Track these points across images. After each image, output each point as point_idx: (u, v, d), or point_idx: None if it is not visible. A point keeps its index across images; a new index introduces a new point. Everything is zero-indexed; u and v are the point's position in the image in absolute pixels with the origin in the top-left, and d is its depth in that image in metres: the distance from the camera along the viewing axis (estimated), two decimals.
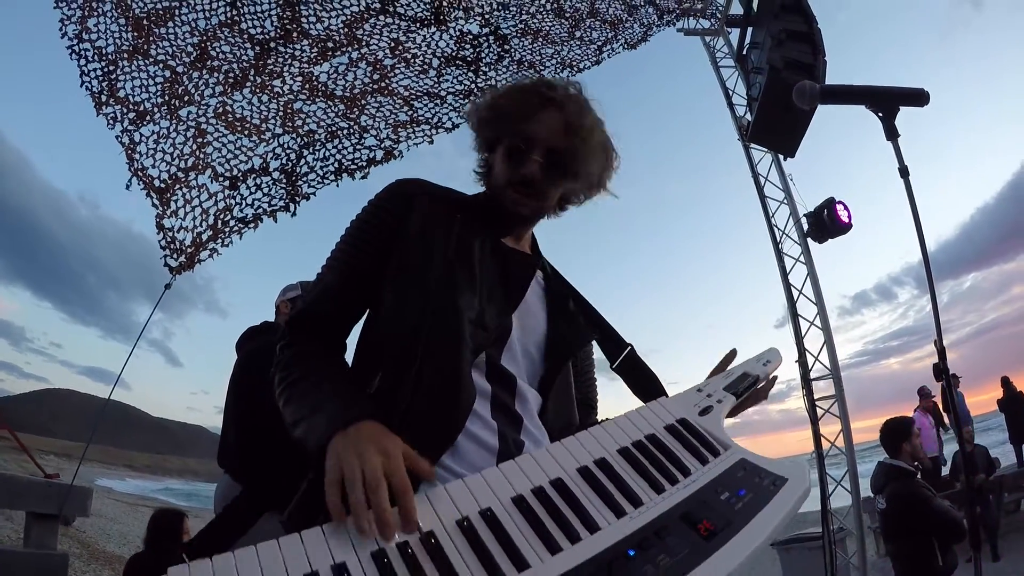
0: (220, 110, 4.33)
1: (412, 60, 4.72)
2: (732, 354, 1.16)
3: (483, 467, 0.86)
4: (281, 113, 4.43)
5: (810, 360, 5.83)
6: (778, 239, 6.31)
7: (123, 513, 13.23)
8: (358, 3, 4.58)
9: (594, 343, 1.22)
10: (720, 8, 7.12)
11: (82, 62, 4.12)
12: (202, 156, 4.31)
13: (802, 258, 6.08)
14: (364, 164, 4.50)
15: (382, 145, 4.56)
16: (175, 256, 4.36)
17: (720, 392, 1.00)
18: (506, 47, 4.98)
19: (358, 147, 4.56)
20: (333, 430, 0.79)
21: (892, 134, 1.47)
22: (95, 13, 4.15)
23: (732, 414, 1.04)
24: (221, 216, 4.36)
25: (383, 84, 4.59)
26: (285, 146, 4.48)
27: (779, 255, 6.23)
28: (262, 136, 4.41)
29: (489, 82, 4.83)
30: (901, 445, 3.31)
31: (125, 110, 4.17)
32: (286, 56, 4.44)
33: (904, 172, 1.49)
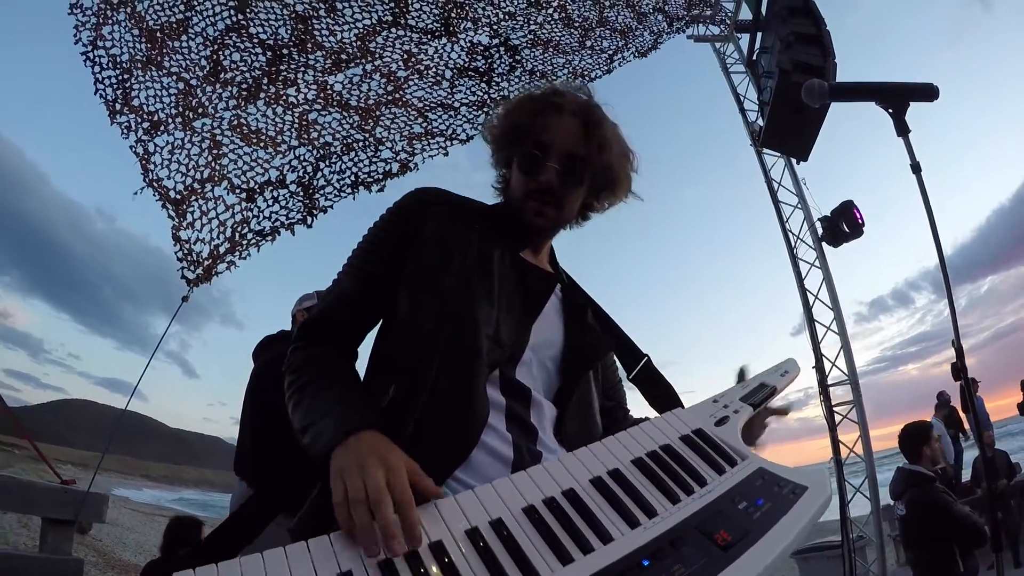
0: (235, 123, 4.37)
1: (425, 72, 4.76)
2: (742, 372, 1.14)
3: (496, 479, 0.86)
4: (296, 125, 4.47)
5: (827, 366, 5.77)
6: (793, 244, 6.27)
7: (139, 522, 13.33)
8: (370, 16, 4.62)
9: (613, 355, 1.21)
10: (729, 14, 7.14)
11: (96, 69, 4.16)
12: (218, 168, 4.33)
13: (817, 263, 6.04)
14: (380, 177, 4.52)
15: (397, 158, 4.58)
16: (192, 268, 4.38)
17: (736, 403, 0.99)
18: (517, 58, 5.01)
19: (374, 159, 4.58)
20: (336, 441, 0.78)
21: (903, 130, 1.47)
22: (110, 21, 4.20)
23: (754, 436, 1.04)
24: (239, 229, 4.38)
25: (397, 95, 4.63)
26: (301, 158, 4.50)
27: (794, 260, 6.19)
28: (278, 148, 4.44)
29: (502, 92, 4.85)
30: (921, 449, 3.27)
31: (139, 119, 4.21)
32: (299, 64, 4.49)
33: (916, 168, 1.48)
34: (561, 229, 1.19)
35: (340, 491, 0.72)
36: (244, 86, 4.39)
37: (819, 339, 5.85)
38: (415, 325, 0.97)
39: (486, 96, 4.81)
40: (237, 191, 4.37)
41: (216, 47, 4.33)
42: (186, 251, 4.34)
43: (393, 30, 4.65)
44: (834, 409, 5.63)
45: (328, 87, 4.58)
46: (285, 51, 4.44)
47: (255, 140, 4.39)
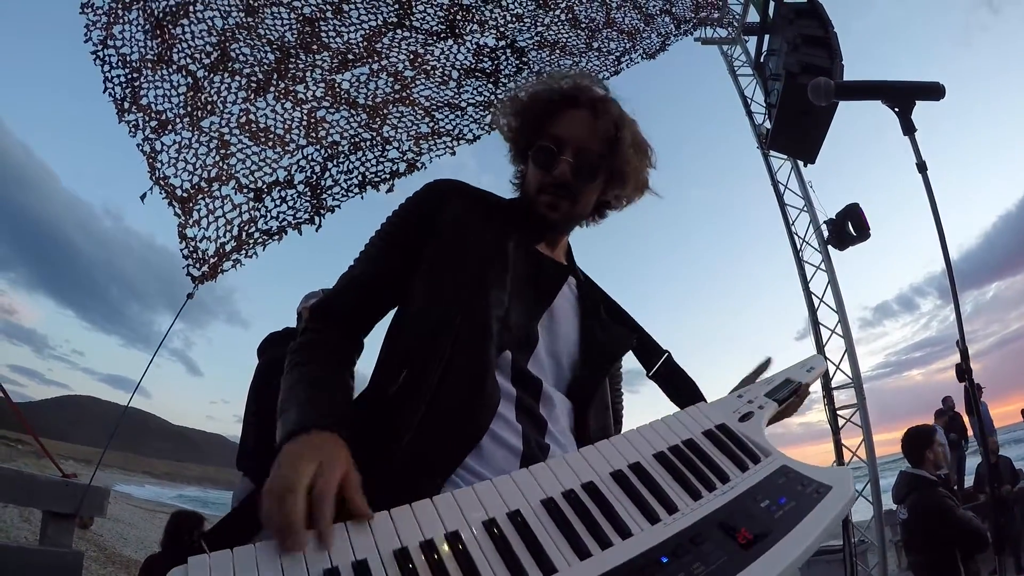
0: (243, 119, 4.38)
1: (432, 72, 4.77)
2: (767, 362, 1.13)
3: (507, 469, 0.85)
4: (304, 123, 4.48)
5: (831, 369, 5.76)
6: (798, 247, 6.27)
7: (141, 519, 13.39)
8: (375, 18, 4.62)
9: (631, 352, 1.19)
10: (737, 17, 7.14)
11: (106, 68, 4.16)
12: (225, 167, 4.34)
13: (823, 266, 6.03)
14: (388, 176, 4.52)
15: (404, 157, 4.58)
16: (198, 266, 4.39)
17: (761, 398, 0.97)
18: (524, 59, 5.00)
19: (381, 159, 4.59)
20: (288, 435, 0.77)
21: (909, 129, 1.46)
22: (121, 21, 4.22)
23: (770, 423, 1.01)
24: (245, 228, 4.38)
25: (404, 94, 4.63)
26: (309, 158, 4.50)
27: (799, 263, 6.18)
28: (286, 147, 4.45)
29: (509, 93, 4.85)
30: (924, 453, 3.26)
31: (147, 118, 4.22)
32: (307, 63, 4.50)
33: (922, 167, 1.48)
34: (576, 225, 1.18)
35: (268, 480, 0.70)
36: (253, 79, 4.40)
37: (823, 342, 5.84)
38: (428, 312, 0.97)
39: (493, 96, 4.81)
40: (245, 190, 4.38)
41: (224, 38, 4.33)
42: (192, 248, 4.35)
43: (399, 32, 4.66)
44: (837, 413, 5.62)
45: (336, 85, 4.58)
46: (292, 51, 4.45)
47: (263, 139, 4.39)
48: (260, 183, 4.38)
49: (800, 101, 5.04)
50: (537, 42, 5.03)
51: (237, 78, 4.38)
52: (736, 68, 7.29)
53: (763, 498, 0.74)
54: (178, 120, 4.25)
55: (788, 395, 1.01)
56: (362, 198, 4.56)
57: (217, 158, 4.31)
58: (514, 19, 4.89)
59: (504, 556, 0.64)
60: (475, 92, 4.81)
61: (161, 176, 4.23)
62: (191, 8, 4.26)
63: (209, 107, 4.32)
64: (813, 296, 6.04)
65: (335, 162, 4.51)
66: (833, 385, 5.72)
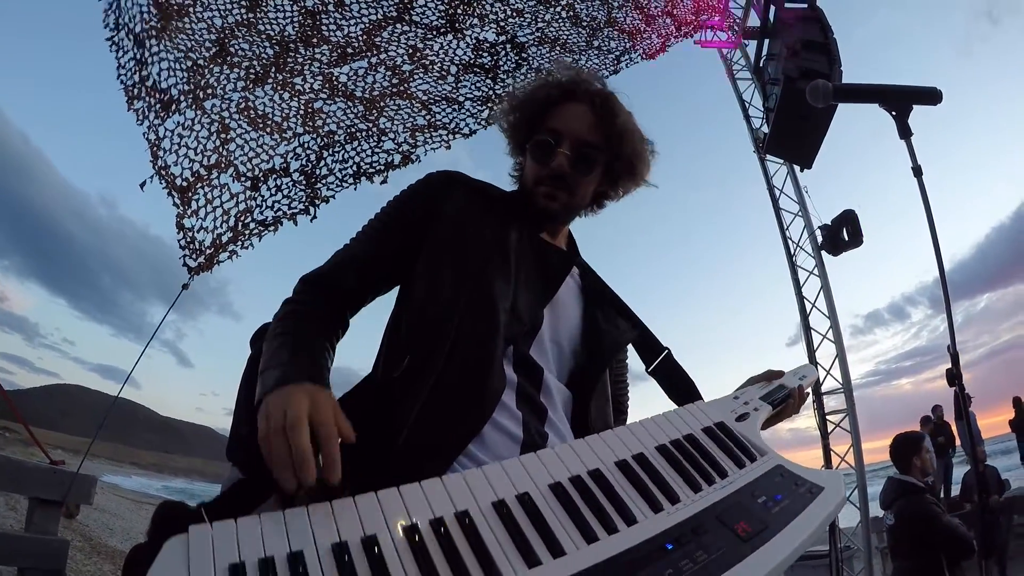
0: (243, 105, 4.36)
1: (430, 66, 4.76)
2: (777, 373, 1.15)
3: (507, 456, 0.86)
4: (302, 111, 4.46)
5: (822, 374, 5.78)
6: (792, 252, 6.29)
7: (127, 510, 13.31)
8: (375, 12, 4.61)
9: (631, 347, 1.21)
10: (737, 21, 7.16)
11: (119, 53, 4.12)
12: (225, 153, 4.33)
13: (816, 271, 6.06)
14: (382, 168, 4.51)
15: (400, 149, 4.57)
16: (194, 256, 4.38)
17: (757, 401, 1.01)
18: (524, 55, 5.00)
19: (376, 150, 4.58)
20: (270, 388, 0.78)
21: (905, 133, 1.47)
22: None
23: (765, 426, 1.05)
24: (241, 218, 4.37)
25: (402, 88, 4.62)
26: (306, 146, 4.50)
27: (793, 267, 6.21)
28: (283, 135, 4.44)
29: (508, 88, 4.85)
30: (911, 460, 3.27)
31: (153, 100, 4.19)
32: (306, 57, 4.49)
33: (917, 171, 1.49)
34: (575, 215, 1.19)
35: (263, 425, 0.71)
36: (251, 70, 4.39)
37: (815, 347, 5.87)
38: (432, 298, 0.98)
39: (491, 92, 4.81)
40: (242, 179, 4.36)
41: (223, 35, 4.32)
42: (189, 239, 4.33)
43: (398, 26, 4.64)
44: (827, 418, 5.64)
45: (333, 78, 4.57)
46: (292, 46, 4.44)
47: (262, 125, 4.38)
48: (257, 170, 4.37)
49: (798, 106, 5.07)
50: (537, 38, 5.02)
51: (237, 70, 4.36)
52: (735, 72, 7.32)
53: (760, 494, 0.77)
54: (182, 98, 4.22)
55: (781, 400, 1.05)
56: (355, 189, 4.54)
57: (217, 142, 4.29)
58: (515, 14, 4.88)
59: (513, 536, 0.66)
60: (473, 87, 4.80)
61: (162, 165, 4.22)
62: (191, 10, 4.25)
63: (210, 90, 4.30)
64: (806, 301, 6.07)
65: (330, 151, 4.50)
66: (823, 390, 5.75)
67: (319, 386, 0.78)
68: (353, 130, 4.55)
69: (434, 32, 4.66)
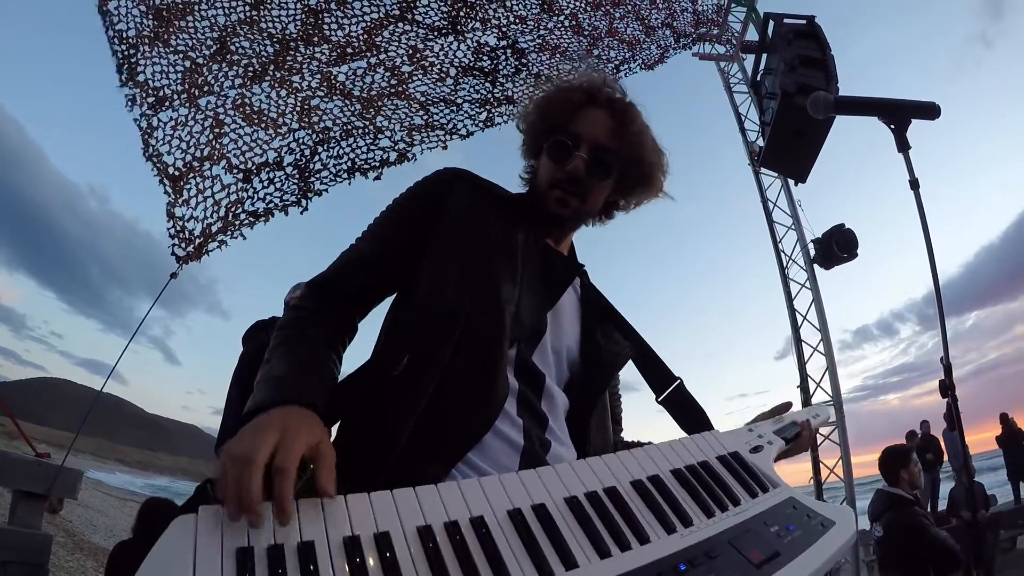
0: (239, 101, 4.36)
1: (430, 68, 4.77)
2: (786, 406, 1.16)
3: (508, 465, 0.86)
4: (298, 108, 4.47)
5: (811, 386, 5.82)
6: (785, 265, 6.33)
7: (111, 506, 13.15)
8: (378, 10, 4.62)
9: (639, 373, 1.18)
10: (736, 35, 7.22)
11: (109, 25, 4.12)
12: (218, 146, 4.32)
13: (808, 284, 6.10)
14: (377, 164, 4.52)
15: (396, 147, 4.58)
16: (183, 245, 4.36)
17: (770, 435, 1.02)
18: (523, 61, 5.03)
19: (372, 147, 4.58)
20: (258, 409, 0.74)
21: (903, 146, 1.48)
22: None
23: (777, 460, 1.05)
24: (232, 208, 4.36)
25: (400, 88, 4.63)
26: (300, 142, 4.50)
27: (785, 280, 6.24)
28: (278, 130, 4.43)
29: (506, 93, 4.87)
30: (900, 472, 3.29)
31: (145, 94, 4.19)
32: (306, 55, 4.49)
33: (914, 184, 1.50)
34: (583, 223, 1.18)
35: (227, 446, 0.67)
36: (250, 68, 4.38)
37: (805, 359, 5.90)
38: (436, 295, 0.95)
39: (489, 95, 4.82)
40: (234, 171, 4.35)
41: (224, 33, 4.32)
42: (179, 228, 4.31)
43: (400, 25, 4.66)
44: (818, 432, 5.67)
45: (332, 77, 4.58)
46: (293, 44, 4.44)
47: (257, 120, 4.38)
48: (250, 163, 4.37)
49: (795, 121, 5.11)
50: (538, 45, 5.06)
51: (235, 68, 4.36)
52: (732, 85, 7.38)
53: (772, 524, 0.77)
54: (176, 97, 4.21)
55: (793, 436, 1.07)
56: (349, 184, 4.54)
57: (211, 136, 4.28)
58: (517, 20, 4.91)
59: (528, 546, 0.65)
60: (472, 90, 4.83)
61: (155, 153, 4.20)
62: (196, 7, 4.25)
63: (206, 88, 4.30)
64: (797, 313, 6.10)
65: (326, 147, 4.50)
66: (813, 403, 5.77)
67: (303, 410, 0.74)
68: (349, 127, 4.55)
69: (436, 33, 4.68)
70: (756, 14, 6.92)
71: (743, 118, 7.13)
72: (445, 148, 4.68)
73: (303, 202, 4.46)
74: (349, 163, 4.51)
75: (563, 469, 0.78)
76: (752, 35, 7.04)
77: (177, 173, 4.21)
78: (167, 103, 4.21)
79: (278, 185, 4.42)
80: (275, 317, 3.27)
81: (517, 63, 4.96)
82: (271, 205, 4.40)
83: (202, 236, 4.32)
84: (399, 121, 4.61)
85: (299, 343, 0.89)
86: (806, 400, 5.77)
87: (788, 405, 1.16)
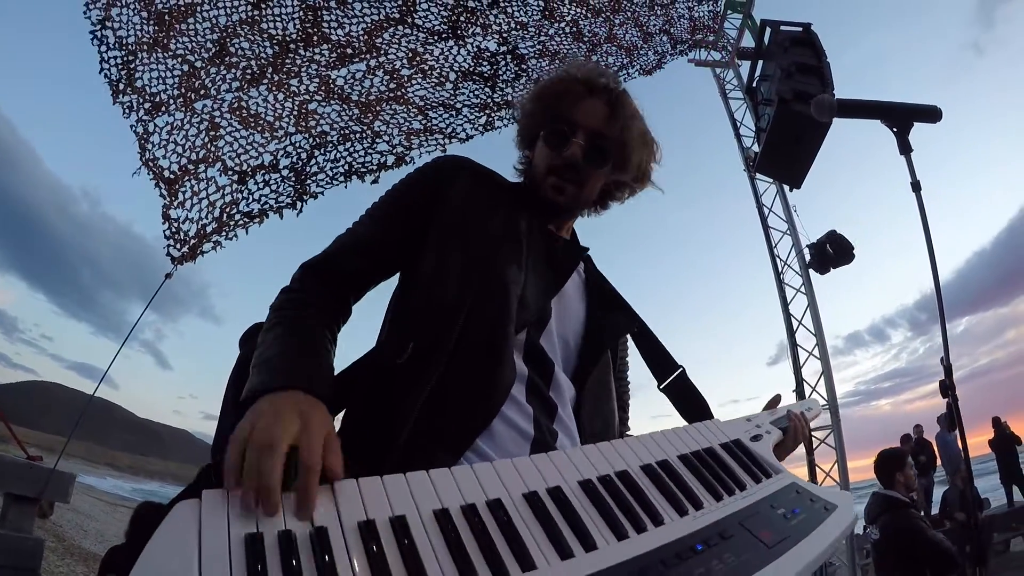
0: (235, 105, 4.35)
1: (429, 72, 4.78)
2: (777, 398, 1.18)
3: (516, 452, 0.85)
4: (295, 112, 4.46)
5: (807, 390, 5.85)
6: (780, 269, 6.37)
7: (102, 511, 13.04)
8: (378, 12, 4.63)
9: (643, 361, 1.19)
10: (731, 41, 7.28)
11: (103, 48, 4.11)
12: (213, 149, 4.31)
13: (803, 289, 6.14)
14: (375, 168, 4.52)
15: (394, 151, 4.58)
16: (178, 246, 4.35)
17: (768, 425, 1.04)
18: (523, 67, 5.04)
19: (370, 151, 4.58)
20: (264, 389, 0.72)
21: (905, 149, 1.51)
22: (119, 3, 4.17)
23: (779, 457, 1.07)
24: (227, 209, 4.35)
25: (399, 92, 4.63)
26: (297, 145, 4.49)
27: (780, 285, 6.28)
28: (275, 134, 4.43)
29: (506, 98, 4.89)
30: (895, 475, 3.31)
31: (141, 100, 4.18)
32: (304, 58, 4.49)
33: (916, 186, 1.52)
34: (580, 211, 1.18)
35: (244, 430, 0.65)
36: (248, 71, 4.38)
37: (800, 364, 5.93)
38: (440, 281, 0.94)
39: (489, 100, 4.83)
40: (229, 172, 4.34)
41: (225, 34, 4.32)
42: (174, 230, 4.31)
43: (400, 28, 4.67)
44: (812, 434, 5.68)
45: (331, 80, 4.58)
46: (292, 45, 4.44)
47: (253, 124, 4.37)
48: (245, 166, 4.36)
49: (791, 127, 5.15)
50: (538, 51, 5.08)
51: (233, 71, 4.36)
52: (727, 91, 7.43)
53: (779, 507, 0.80)
54: (172, 102, 4.21)
55: (787, 428, 1.09)
56: (346, 187, 4.54)
57: (206, 139, 4.27)
58: (518, 26, 4.92)
59: (546, 527, 0.65)
60: (471, 94, 4.83)
61: (151, 157, 4.19)
62: (198, 8, 4.25)
63: (202, 92, 4.29)
64: (792, 318, 6.13)
65: (322, 150, 4.49)
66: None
67: (313, 398, 0.73)
68: (347, 131, 4.55)
69: (436, 37, 4.69)
70: (752, 21, 6.98)
71: (738, 124, 7.18)
72: (444, 152, 4.68)
73: (298, 204, 4.45)
74: (346, 166, 4.51)
75: (574, 453, 0.79)
76: (748, 42, 7.10)
77: (172, 176, 4.20)
78: (163, 108, 4.21)
79: (273, 187, 4.41)
80: None
81: (517, 68, 4.98)
82: (266, 206, 4.39)
83: (196, 237, 4.31)
84: (397, 125, 4.61)
85: (297, 325, 0.87)
86: None
87: (779, 398, 1.18)
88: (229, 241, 4.40)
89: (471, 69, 4.86)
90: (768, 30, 6.03)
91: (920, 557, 2.97)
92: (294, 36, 4.45)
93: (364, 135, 4.59)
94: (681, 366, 1.17)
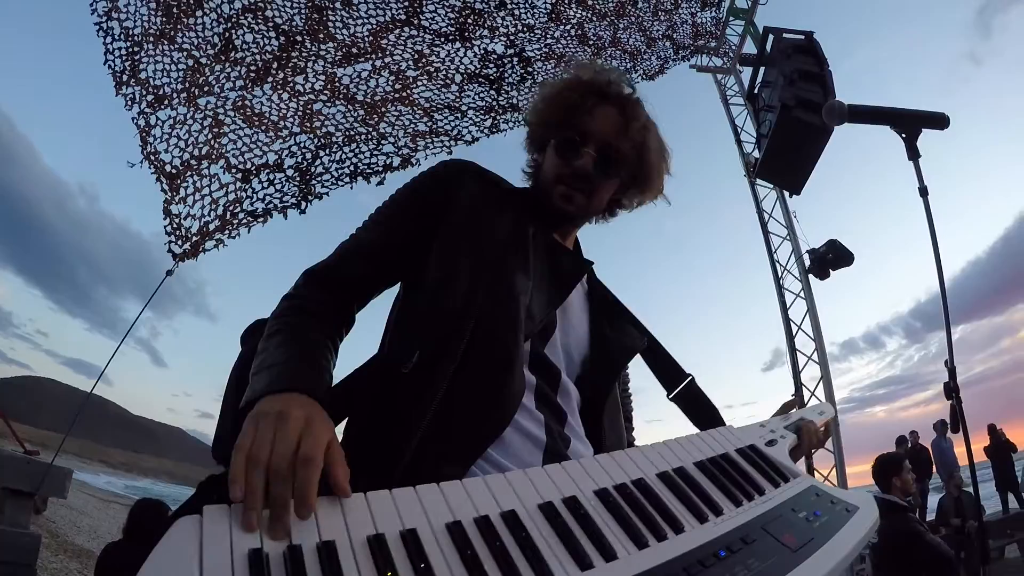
0: (239, 103, 4.35)
1: (435, 73, 4.78)
2: (794, 401, 1.18)
3: (530, 461, 0.83)
4: (300, 112, 4.45)
5: (805, 395, 5.88)
6: (780, 275, 6.40)
7: (95, 508, 12.96)
8: (384, 13, 4.62)
9: (649, 371, 1.18)
10: (733, 48, 7.31)
11: (108, 40, 4.09)
12: (217, 146, 4.29)
13: (802, 294, 6.16)
14: (380, 169, 4.51)
15: (400, 152, 4.58)
16: (180, 243, 4.34)
17: (782, 430, 1.04)
18: (529, 69, 5.04)
19: (375, 152, 4.57)
20: (264, 392, 0.71)
21: (914, 154, 1.53)
22: None
23: (794, 458, 1.07)
24: (231, 207, 4.34)
25: (405, 94, 4.63)
26: (301, 145, 4.47)
27: (780, 290, 6.31)
28: (279, 133, 4.42)
29: (511, 100, 4.89)
30: (892, 479, 3.33)
31: (144, 92, 4.15)
32: (310, 53, 4.48)
33: (923, 191, 1.54)
34: (587, 220, 1.16)
35: (248, 437, 0.63)
36: (253, 68, 4.37)
37: (800, 368, 5.96)
38: (447, 290, 0.91)
39: (494, 102, 4.84)
40: (233, 171, 4.33)
41: (230, 25, 4.31)
42: (176, 225, 4.29)
43: (406, 30, 4.66)
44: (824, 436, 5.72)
45: (336, 79, 4.57)
46: (298, 38, 4.43)
47: (257, 122, 4.36)
48: (250, 164, 4.35)
49: (793, 133, 5.18)
50: (544, 54, 5.08)
51: (239, 67, 4.35)
52: (728, 97, 7.46)
53: (800, 510, 0.79)
54: (175, 95, 4.20)
55: (801, 432, 1.09)
56: (351, 188, 4.53)
57: (209, 136, 4.26)
58: (525, 29, 4.92)
59: (563, 538, 0.64)
60: (477, 97, 4.82)
61: (152, 151, 4.18)
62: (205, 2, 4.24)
63: (207, 88, 4.28)
64: (792, 323, 6.16)
65: (327, 151, 4.48)
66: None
67: (315, 403, 0.71)
68: (352, 132, 4.54)
69: (442, 39, 4.69)
70: (754, 28, 7.02)
71: (739, 130, 7.21)
72: (450, 153, 4.69)
73: (303, 204, 4.44)
74: (351, 168, 4.50)
75: (588, 463, 0.77)
76: (749, 48, 7.13)
77: (174, 171, 4.18)
78: (166, 101, 4.19)
79: (278, 187, 4.40)
80: None
81: (523, 71, 4.98)
82: (270, 206, 4.38)
83: (199, 234, 4.30)
84: (403, 127, 4.61)
85: (297, 333, 0.86)
86: (801, 407, 5.82)
87: (794, 402, 1.17)
88: (232, 239, 4.39)
89: (477, 71, 4.85)
90: (771, 37, 6.07)
91: (918, 560, 2.98)
92: (300, 28, 4.43)
93: (369, 136, 4.58)
94: (690, 374, 1.16)
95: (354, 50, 4.57)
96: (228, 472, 0.62)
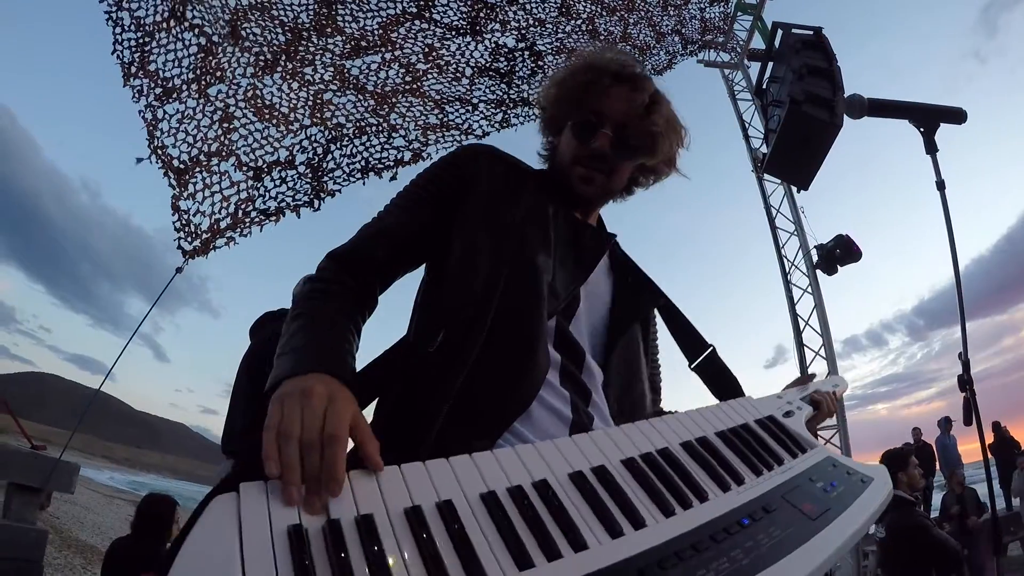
0: (249, 93, 4.32)
1: (445, 67, 4.76)
2: (808, 376, 1.19)
3: (555, 435, 0.84)
4: (310, 103, 4.43)
5: None
6: (788, 270, 6.39)
7: (99, 504, 13.00)
8: (394, 6, 4.61)
9: (673, 341, 1.19)
10: (741, 43, 7.29)
11: (117, 30, 4.06)
12: (227, 142, 4.27)
13: (809, 289, 6.16)
14: (392, 164, 4.50)
15: (411, 146, 4.56)
16: (189, 240, 4.32)
17: (799, 401, 1.06)
18: (540, 63, 5.03)
19: (386, 146, 4.56)
20: (290, 373, 0.72)
21: (931, 148, 1.53)
22: None
23: (810, 429, 1.08)
24: (243, 206, 4.32)
25: (415, 86, 4.62)
26: (312, 139, 4.46)
27: (787, 285, 6.30)
28: (290, 126, 4.40)
29: (522, 94, 4.87)
30: (898, 475, 3.33)
31: (153, 84, 4.12)
32: (318, 46, 4.46)
33: (940, 185, 1.54)
34: (608, 200, 1.18)
35: (275, 416, 0.65)
36: (263, 57, 4.34)
37: (807, 363, 5.96)
38: (470, 269, 0.93)
39: (505, 96, 4.83)
40: (244, 168, 4.31)
41: (237, 17, 4.29)
42: (184, 221, 4.27)
43: (416, 23, 4.65)
44: (818, 434, 5.72)
45: (345, 70, 4.54)
46: (305, 32, 4.41)
47: (268, 115, 4.34)
48: (261, 161, 4.32)
49: (801, 129, 5.16)
50: (555, 48, 5.07)
51: (247, 54, 4.32)
52: (736, 93, 7.44)
53: (818, 480, 0.81)
54: (184, 88, 4.17)
55: (817, 403, 1.12)
56: (363, 183, 4.51)
57: (219, 131, 4.24)
58: (536, 23, 4.91)
59: (593, 506, 0.66)
60: (488, 90, 4.82)
61: (159, 145, 4.15)
62: None
63: (218, 74, 4.23)
64: (799, 319, 6.16)
65: (338, 145, 4.46)
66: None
67: (339, 382, 0.72)
68: (363, 124, 4.52)
69: (453, 32, 4.67)
70: (762, 23, 6.99)
71: (747, 125, 7.20)
72: None
73: (315, 202, 4.42)
74: (363, 162, 4.48)
75: (614, 432, 0.79)
76: (756, 43, 7.11)
77: (182, 166, 4.16)
78: (174, 94, 4.17)
79: (290, 184, 4.38)
80: (284, 309, 3.25)
81: (534, 65, 4.96)
82: (283, 204, 4.36)
83: (210, 232, 4.28)
84: (413, 119, 4.60)
85: (320, 315, 0.86)
86: None
87: (812, 376, 1.19)
88: (244, 238, 4.37)
89: (488, 65, 4.84)
90: (780, 32, 6.04)
91: (926, 555, 2.99)
92: (307, 24, 4.40)
93: (380, 128, 4.57)
94: (711, 345, 1.17)
95: (363, 43, 4.54)
96: (235, 471, 0.63)
